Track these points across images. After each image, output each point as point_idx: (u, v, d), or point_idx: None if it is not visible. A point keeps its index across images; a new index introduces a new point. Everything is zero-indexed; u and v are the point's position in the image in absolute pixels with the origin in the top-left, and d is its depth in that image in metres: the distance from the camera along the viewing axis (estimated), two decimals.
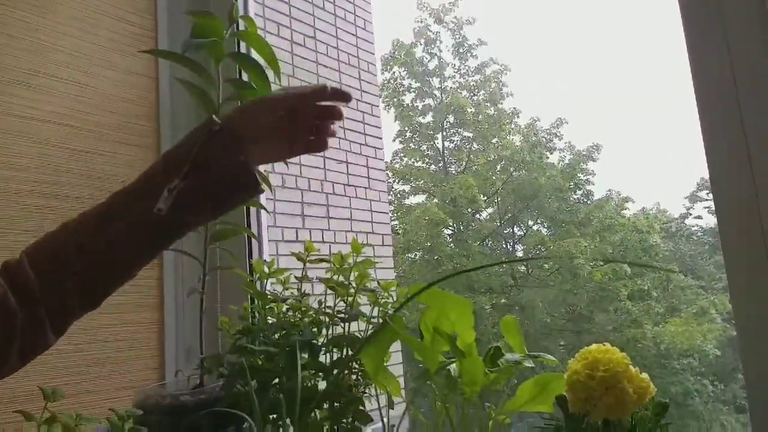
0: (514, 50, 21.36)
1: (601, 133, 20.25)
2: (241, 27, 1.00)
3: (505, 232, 10.95)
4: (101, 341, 1.11)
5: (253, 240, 1.19)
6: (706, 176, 0.82)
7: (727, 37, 0.75)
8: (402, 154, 11.56)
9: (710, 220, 9.86)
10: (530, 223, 10.90)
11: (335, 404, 0.82)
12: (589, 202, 10.42)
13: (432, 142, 11.67)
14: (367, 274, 0.87)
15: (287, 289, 0.94)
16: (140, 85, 1.26)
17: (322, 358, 0.85)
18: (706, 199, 9.97)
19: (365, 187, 2.99)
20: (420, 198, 11.10)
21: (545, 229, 10.60)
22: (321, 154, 2.73)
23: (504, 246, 11.04)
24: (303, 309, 0.89)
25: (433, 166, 11.59)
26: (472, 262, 9.54)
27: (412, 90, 11.74)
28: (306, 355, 0.82)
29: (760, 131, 0.72)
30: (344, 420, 0.83)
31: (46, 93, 1.12)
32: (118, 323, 1.14)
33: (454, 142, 11.73)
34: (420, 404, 0.89)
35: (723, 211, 0.75)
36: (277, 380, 0.83)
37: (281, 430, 0.72)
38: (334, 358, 0.85)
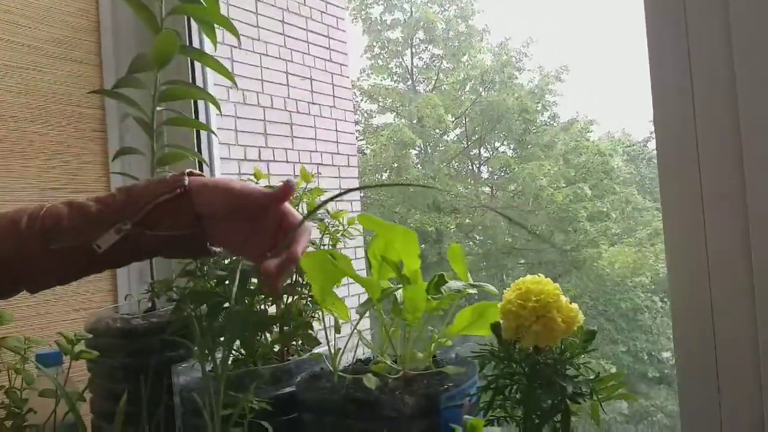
0: None
1: (570, 55, 20.08)
2: None
3: (472, 153, 10.98)
4: None
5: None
6: None
7: None
8: (370, 71, 11.29)
9: None
10: (497, 144, 10.93)
11: (284, 328, 0.85)
12: (555, 124, 10.47)
13: (401, 59, 11.39)
14: (314, 203, 0.87)
15: None
16: None
17: None
18: None
19: (330, 106, 2.90)
20: (388, 118, 10.97)
21: (511, 151, 10.66)
22: (283, 68, 2.65)
23: (470, 167, 11.10)
24: None
25: (401, 85, 11.37)
26: (439, 184, 9.63)
27: (380, 2, 11.32)
28: (255, 280, 0.83)
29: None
30: (293, 342, 0.86)
31: None
32: None
33: (424, 60, 11.49)
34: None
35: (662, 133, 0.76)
36: (227, 305, 0.84)
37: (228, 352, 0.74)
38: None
